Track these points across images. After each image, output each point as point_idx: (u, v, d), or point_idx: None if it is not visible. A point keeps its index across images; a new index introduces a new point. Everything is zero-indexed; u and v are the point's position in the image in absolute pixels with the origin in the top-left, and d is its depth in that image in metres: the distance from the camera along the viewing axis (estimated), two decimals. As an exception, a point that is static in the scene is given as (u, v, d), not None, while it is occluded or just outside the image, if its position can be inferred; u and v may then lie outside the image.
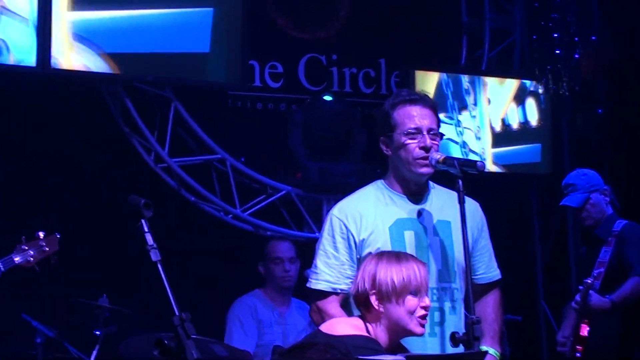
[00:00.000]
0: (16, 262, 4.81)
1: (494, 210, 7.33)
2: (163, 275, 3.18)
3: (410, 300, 3.62)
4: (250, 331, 6.01)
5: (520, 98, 8.10)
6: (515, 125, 8.10)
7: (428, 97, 4.02)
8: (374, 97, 7.83)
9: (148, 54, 6.76)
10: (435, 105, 4.00)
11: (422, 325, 3.67)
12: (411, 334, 3.67)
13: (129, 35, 6.69)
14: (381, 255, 3.72)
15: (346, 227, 3.94)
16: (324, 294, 3.97)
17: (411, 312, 3.63)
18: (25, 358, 5.38)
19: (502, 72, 8.17)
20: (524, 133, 8.11)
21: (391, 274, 3.62)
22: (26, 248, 4.86)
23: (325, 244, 3.99)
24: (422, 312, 3.65)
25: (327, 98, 7.60)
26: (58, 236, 4.98)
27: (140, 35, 6.73)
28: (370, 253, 3.86)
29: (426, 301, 3.65)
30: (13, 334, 5.72)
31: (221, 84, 7.29)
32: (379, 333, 3.66)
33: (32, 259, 4.86)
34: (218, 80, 7.20)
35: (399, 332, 3.66)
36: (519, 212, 8.14)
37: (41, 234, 4.91)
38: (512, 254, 7.62)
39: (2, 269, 4.77)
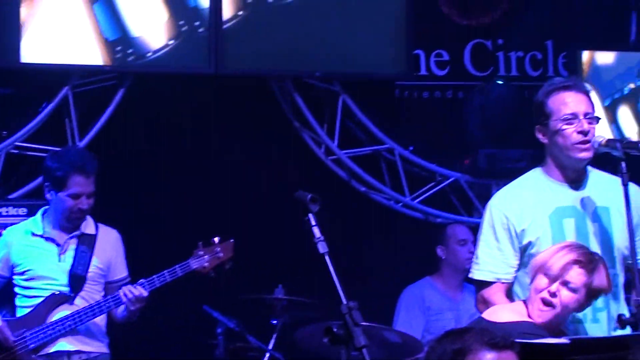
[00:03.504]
0: (193, 268, 5.06)
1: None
2: (330, 267, 3.30)
3: (540, 279, 3.64)
4: (416, 320, 6.11)
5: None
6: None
7: (581, 82, 4.03)
8: (542, 80, 7.70)
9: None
10: (589, 90, 3.99)
11: (541, 310, 3.66)
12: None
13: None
14: (574, 244, 3.74)
15: (506, 217, 3.97)
16: (487, 284, 4.01)
17: (537, 291, 3.66)
18: (207, 347, 5.62)
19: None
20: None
21: (543, 253, 3.67)
22: (202, 253, 5.09)
23: (486, 234, 4.03)
24: (545, 295, 3.63)
25: (499, 82, 7.58)
26: (232, 241, 5.18)
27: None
28: (530, 242, 3.89)
29: (552, 288, 3.63)
30: (195, 325, 6.00)
31: (387, 75, 7.37)
32: (531, 312, 3.70)
33: (207, 264, 5.09)
34: (384, 72, 7.30)
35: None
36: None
37: (216, 239, 5.13)
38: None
39: (180, 274, 5.02)
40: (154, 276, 5.00)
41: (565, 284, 3.64)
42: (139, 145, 6.71)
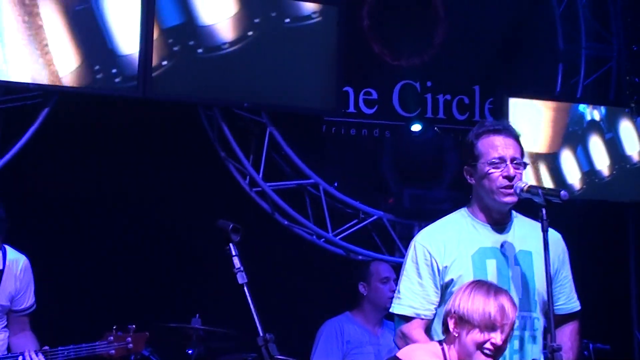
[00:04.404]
0: (97, 352, 4.83)
1: (589, 237, 7.34)
2: (249, 297, 3.30)
3: (479, 333, 3.62)
4: (333, 354, 6.09)
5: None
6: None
7: (511, 127, 4.06)
8: (468, 123, 7.82)
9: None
10: (519, 135, 4.03)
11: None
12: None
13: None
14: (478, 283, 3.75)
15: (430, 254, 3.98)
16: (407, 319, 4.01)
17: (478, 345, 3.64)
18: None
19: (598, 100, 8.12)
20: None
21: (471, 303, 3.65)
22: (112, 339, 4.84)
23: (409, 270, 4.03)
24: (489, 347, 3.63)
25: (416, 127, 7.65)
26: (147, 334, 4.95)
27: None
28: (452, 280, 3.91)
29: (497, 339, 3.63)
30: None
31: (316, 110, 7.40)
32: (453, 357, 3.70)
33: (113, 352, 4.85)
34: (313, 107, 7.33)
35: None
36: (615, 239, 8.06)
37: (133, 327, 4.88)
38: (605, 282, 7.56)
39: (84, 354, 4.78)
40: (59, 348, 4.71)
41: (503, 332, 3.65)
42: (60, 166, 6.60)
